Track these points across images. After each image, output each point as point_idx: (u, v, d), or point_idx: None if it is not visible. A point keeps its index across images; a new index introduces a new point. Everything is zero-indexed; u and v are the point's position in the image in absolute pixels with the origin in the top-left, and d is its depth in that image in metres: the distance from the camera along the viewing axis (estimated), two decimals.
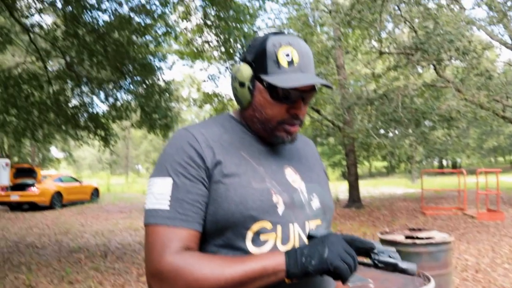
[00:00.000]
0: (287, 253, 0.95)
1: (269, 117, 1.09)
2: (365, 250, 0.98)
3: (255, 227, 1.01)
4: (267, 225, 1.02)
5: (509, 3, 10.63)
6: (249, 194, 1.02)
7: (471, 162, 37.90)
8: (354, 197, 13.37)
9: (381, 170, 47.08)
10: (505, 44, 13.87)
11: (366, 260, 0.97)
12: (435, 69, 11.01)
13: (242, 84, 1.10)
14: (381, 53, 10.92)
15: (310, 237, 1.01)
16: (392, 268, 0.98)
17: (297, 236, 1.05)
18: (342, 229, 9.15)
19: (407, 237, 3.80)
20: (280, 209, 1.04)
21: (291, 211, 1.06)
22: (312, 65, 1.11)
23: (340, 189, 20.99)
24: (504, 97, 12.30)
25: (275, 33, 1.12)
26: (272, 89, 1.06)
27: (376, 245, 0.99)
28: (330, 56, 11.26)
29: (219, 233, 1.02)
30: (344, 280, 0.93)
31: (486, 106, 11.42)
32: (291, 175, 1.13)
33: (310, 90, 1.09)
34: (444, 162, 44.67)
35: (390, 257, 0.98)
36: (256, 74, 1.08)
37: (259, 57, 1.08)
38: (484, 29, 13.07)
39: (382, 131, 13.76)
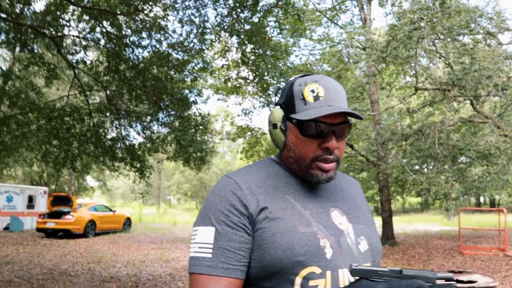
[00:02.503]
0: None
1: (302, 155, 1.09)
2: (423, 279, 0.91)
3: (304, 272, 1.00)
4: (316, 270, 1.00)
5: None
6: (296, 239, 1.01)
7: (511, 200, 36.35)
8: (388, 234, 13.02)
9: (415, 206, 45.74)
10: None
11: None
12: (472, 104, 10.81)
13: (275, 126, 1.13)
14: (416, 89, 10.84)
15: (353, 271, 0.89)
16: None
17: (346, 281, 1.03)
18: None
19: (447, 280, 3.66)
20: (328, 253, 1.03)
21: (339, 255, 1.04)
22: (342, 98, 1.11)
23: None
24: None
25: (302, 75, 1.14)
26: (300, 126, 1.08)
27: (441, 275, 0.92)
28: (365, 92, 11.25)
29: (266, 278, 1.02)
30: None
31: None
32: (338, 217, 1.12)
33: (341, 123, 1.08)
34: (482, 200, 43.02)
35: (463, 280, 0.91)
36: (287, 115, 1.11)
37: (288, 99, 1.12)
38: None
39: (417, 167, 13.49)
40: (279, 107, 1.15)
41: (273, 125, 1.14)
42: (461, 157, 11.00)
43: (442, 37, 9.85)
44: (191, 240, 1.07)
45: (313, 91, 1.08)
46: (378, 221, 19.01)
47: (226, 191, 1.07)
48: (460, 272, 4.04)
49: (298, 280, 1.00)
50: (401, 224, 21.45)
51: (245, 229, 1.03)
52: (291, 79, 1.17)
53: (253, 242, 1.03)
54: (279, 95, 1.24)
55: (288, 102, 1.12)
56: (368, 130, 12.84)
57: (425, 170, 15.04)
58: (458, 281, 3.62)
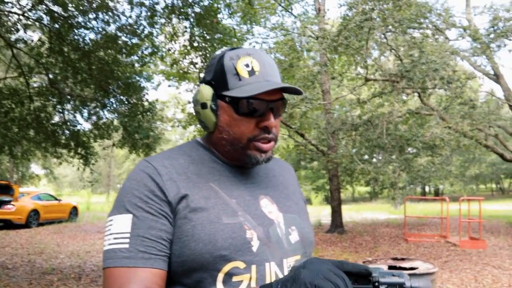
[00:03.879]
0: (262, 286, 0.84)
1: (238, 136, 0.99)
2: (360, 274, 0.80)
3: (226, 268, 0.91)
4: (240, 265, 0.92)
5: (491, 35, 10.90)
6: (219, 231, 0.92)
7: (453, 189, 38.29)
8: (337, 222, 13.29)
9: (364, 195, 47.23)
10: (487, 74, 14.19)
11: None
12: (419, 96, 11.15)
13: (204, 106, 1.01)
14: (366, 80, 11.04)
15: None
16: None
17: (273, 276, 0.94)
18: (324, 255, 9.02)
19: (390, 267, 3.72)
20: (255, 246, 0.94)
21: (267, 247, 0.96)
22: (277, 73, 1.02)
23: (323, 213, 20.92)
24: (486, 127, 12.52)
25: (231, 48, 1.04)
26: (236, 104, 0.97)
27: (374, 269, 0.83)
28: (316, 81, 11.33)
29: (186, 274, 0.92)
30: None
31: (469, 134, 11.58)
32: (267, 205, 1.02)
33: (278, 100, 1.00)
34: (427, 189, 45.06)
35: (394, 275, 0.81)
36: (218, 93, 1.00)
37: (218, 74, 1.00)
38: (467, 59, 13.36)
39: (366, 157, 13.83)
40: (207, 84, 1.02)
41: (201, 105, 1.02)
42: (408, 147, 11.36)
43: (393, 29, 10.06)
44: (105, 232, 0.94)
45: (247, 65, 0.98)
46: (327, 209, 19.43)
47: (143, 176, 0.96)
48: (403, 259, 4.13)
49: (220, 277, 0.91)
50: (350, 213, 22.01)
51: (167, 217, 0.92)
52: (218, 52, 1.06)
53: (172, 234, 0.93)
54: (204, 72, 1.07)
55: (219, 78, 1.00)
56: (319, 120, 12.97)
57: (374, 160, 15.46)
58: (400, 268, 3.68)
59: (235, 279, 0.91)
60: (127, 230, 0.90)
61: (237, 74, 0.97)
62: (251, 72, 0.98)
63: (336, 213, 13.37)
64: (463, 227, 12.41)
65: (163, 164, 0.99)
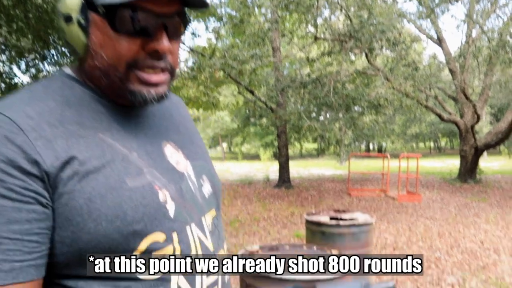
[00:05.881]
0: None
1: (114, 61, 0.70)
2: None
3: (143, 245, 0.69)
4: (159, 237, 0.71)
5: (436, 0, 11.21)
6: (126, 200, 0.68)
7: (395, 147, 40.20)
8: (284, 178, 13.66)
9: (311, 152, 48.54)
10: (431, 38, 14.72)
11: None
12: (366, 57, 11.41)
13: (68, 19, 0.71)
14: (316, 38, 11.11)
15: None
16: None
17: (197, 242, 0.78)
18: (271, 209, 9.33)
19: (331, 219, 3.93)
20: (171, 209, 0.74)
21: (184, 208, 0.77)
22: None
23: (271, 169, 21.41)
24: (427, 88, 13.11)
25: None
26: (112, 16, 0.68)
27: None
28: (266, 38, 11.27)
29: (84, 266, 0.68)
30: None
31: (411, 95, 12.12)
32: (173, 154, 0.81)
33: (174, 14, 0.72)
34: (371, 147, 46.98)
35: None
36: (88, 0, 0.69)
37: None
38: (413, 22, 13.76)
39: (314, 115, 14.14)
40: None
41: (65, 18, 0.72)
42: (354, 106, 11.72)
43: None
44: None
45: None
46: (275, 165, 19.85)
47: None
48: (344, 211, 4.36)
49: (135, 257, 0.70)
50: (297, 169, 22.65)
51: (36, 198, 0.63)
52: None
53: (54, 217, 0.65)
54: None
55: None
56: (269, 77, 13.00)
57: (321, 118, 15.84)
58: (341, 219, 3.90)
59: (155, 255, 0.71)
60: None
61: None
62: None
63: (284, 169, 13.72)
64: (402, 182, 13.18)
65: (26, 113, 0.66)
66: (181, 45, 0.85)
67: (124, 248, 0.68)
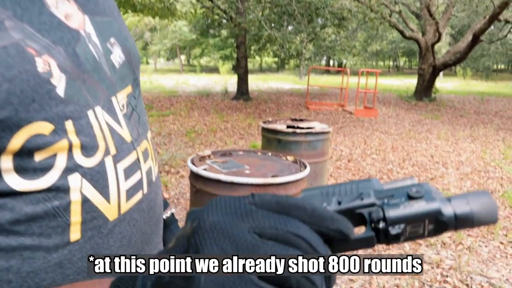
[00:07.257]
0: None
1: None
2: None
3: (16, 142, 0.44)
4: (42, 128, 0.46)
5: None
6: None
7: (355, 63, 40.29)
8: (243, 90, 13.39)
9: (271, 66, 47.99)
10: None
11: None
12: None
13: None
14: None
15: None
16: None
17: (107, 131, 0.54)
18: (228, 120, 9.15)
19: (288, 127, 3.78)
20: (60, 85, 0.48)
21: (82, 83, 0.52)
22: None
23: (229, 82, 20.99)
24: (392, 3, 12.74)
25: None
26: None
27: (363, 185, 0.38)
28: None
29: None
30: None
31: (375, 9, 11.73)
32: (59, 2, 0.52)
33: None
34: (331, 63, 46.90)
35: (412, 197, 0.35)
36: None
37: None
38: None
39: (275, 25, 13.56)
40: None
41: None
42: (317, 17, 11.27)
43: None
44: None
45: None
46: (234, 78, 19.39)
47: None
48: (301, 120, 4.22)
49: (8, 160, 0.45)
50: (257, 82, 22.34)
51: None
52: None
53: None
54: None
55: None
56: None
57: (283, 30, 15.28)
58: (298, 128, 3.75)
59: (39, 157, 0.47)
60: None
61: None
62: None
63: (242, 81, 13.39)
64: (360, 98, 13.26)
65: None
66: None
67: None
